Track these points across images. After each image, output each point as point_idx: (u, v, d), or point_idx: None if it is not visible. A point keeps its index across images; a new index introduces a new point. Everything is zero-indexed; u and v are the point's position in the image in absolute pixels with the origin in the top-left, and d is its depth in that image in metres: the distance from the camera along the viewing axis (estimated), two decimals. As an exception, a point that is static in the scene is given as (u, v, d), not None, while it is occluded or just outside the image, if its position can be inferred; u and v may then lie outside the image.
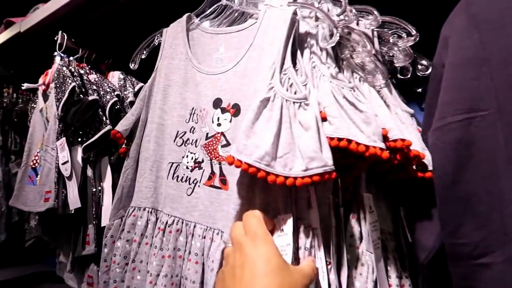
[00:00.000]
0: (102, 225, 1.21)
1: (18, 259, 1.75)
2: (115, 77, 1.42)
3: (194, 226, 0.78)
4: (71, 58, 1.39)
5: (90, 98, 1.25)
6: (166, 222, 0.81)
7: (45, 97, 1.40)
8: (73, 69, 1.31)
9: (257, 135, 0.64)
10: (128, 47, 1.24)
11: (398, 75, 0.90)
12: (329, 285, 0.64)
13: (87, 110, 1.25)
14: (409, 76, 0.89)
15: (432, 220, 0.77)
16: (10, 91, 1.82)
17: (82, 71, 1.34)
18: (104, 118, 1.25)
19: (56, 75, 1.28)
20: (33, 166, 1.41)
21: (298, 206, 0.67)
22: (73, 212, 1.22)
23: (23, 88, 1.38)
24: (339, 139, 0.63)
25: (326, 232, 0.67)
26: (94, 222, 1.22)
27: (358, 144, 0.62)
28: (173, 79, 0.89)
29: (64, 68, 1.29)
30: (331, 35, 0.72)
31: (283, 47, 0.71)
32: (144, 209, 0.85)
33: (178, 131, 0.85)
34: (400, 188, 0.79)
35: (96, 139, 1.23)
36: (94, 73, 1.38)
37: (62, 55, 1.39)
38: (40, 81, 1.44)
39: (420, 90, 0.97)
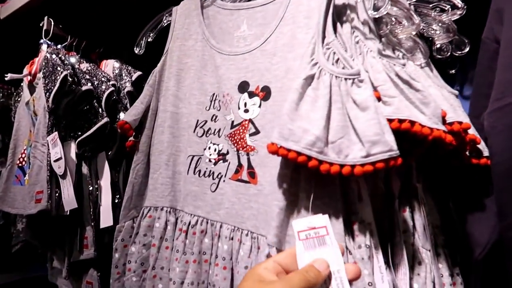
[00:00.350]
0: (101, 226, 1.10)
1: (5, 265, 1.61)
2: (109, 66, 1.30)
3: (221, 226, 0.69)
4: (59, 46, 1.27)
5: (84, 88, 1.14)
6: (189, 223, 0.71)
7: (32, 89, 1.27)
8: (63, 57, 1.19)
9: (304, 118, 0.55)
10: (122, 33, 1.14)
11: (435, 55, 0.82)
12: (387, 288, 0.56)
13: (81, 101, 1.14)
14: (448, 55, 0.81)
15: (486, 212, 0.69)
16: (-12, 85, 1.67)
17: (73, 60, 1.22)
18: (100, 110, 1.14)
19: (44, 63, 1.16)
20: (20, 164, 1.29)
21: (349, 199, 0.59)
22: (68, 213, 1.10)
23: (6, 79, 1.24)
24: (400, 121, 0.55)
25: (380, 228, 0.59)
26: (92, 224, 1.11)
27: (422, 126, 0.54)
28: (188, 62, 0.79)
29: (54, 56, 1.17)
30: (376, 7, 0.63)
31: (322, 18, 0.62)
32: (162, 209, 0.75)
33: (198, 120, 0.75)
34: (449, 177, 0.72)
35: (92, 133, 1.12)
36: (85, 62, 1.27)
37: (49, 42, 1.27)
38: (25, 71, 1.31)
39: (453, 71, 0.89)
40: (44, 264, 1.42)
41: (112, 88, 1.17)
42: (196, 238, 0.69)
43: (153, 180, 0.77)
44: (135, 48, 0.89)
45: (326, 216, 0.48)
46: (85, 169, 1.16)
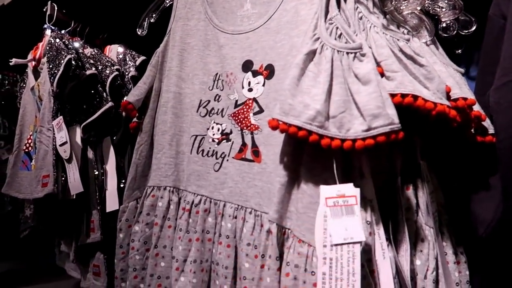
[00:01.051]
0: (107, 210, 1.11)
1: (14, 251, 1.63)
2: (113, 51, 1.30)
3: (224, 205, 0.69)
4: (62, 31, 1.27)
5: (88, 72, 1.14)
6: (192, 202, 0.71)
7: (36, 74, 1.27)
8: (66, 42, 1.19)
9: (305, 93, 0.55)
10: (126, 19, 1.13)
11: (441, 33, 0.81)
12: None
13: (85, 85, 1.14)
14: (454, 33, 0.80)
15: (490, 190, 0.69)
16: (-6, 72, 1.68)
17: (76, 45, 1.22)
18: (104, 94, 1.14)
19: (48, 48, 1.16)
20: (26, 150, 1.29)
21: (350, 176, 0.58)
22: (74, 197, 1.11)
23: (11, 64, 1.25)
24: (403, 95, 0.54)
25: (382, 205, 0.59)
26: (98, 208, 1.12)
27: (425, 100, 0.54)
28: (191, 43, 0.79)
29: (57, 40, 1.17)
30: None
31: (326, -7, 0.61)
32: (165, 188, 0.75)
33: (201, 100, 0.75)
34: (454, 155, 0.71)
35: (97, 118, 1.12)
36: (89, 47, 1.26)
37: (53, 27, 1.27)
38: (30, 56, 1.31)
39: (459, 51, 0.88)
40: (51, 249, 1.44)
41: (116, 73, 1.17)
42: (199, 217, 0.69)
43: (156, 160, 0.77)
44: (137, 30, 0.89)
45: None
46: (90, 154, 1.16)
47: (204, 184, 0.72)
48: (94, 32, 1.40)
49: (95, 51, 1.24)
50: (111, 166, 1.15)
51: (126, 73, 1.23)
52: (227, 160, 0.70)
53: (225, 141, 0.71)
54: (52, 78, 1.13)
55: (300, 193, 0.58)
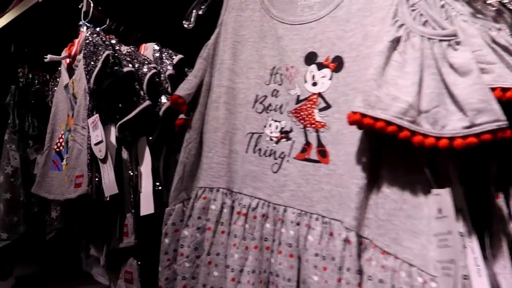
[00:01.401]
0: (142, 214, 1.06)
1: (39, 253, 1.59)
2: (148, 49, 1.25)
3: (284, 211, 0.62)
4: (97, 29, 1.23)
5: (125, 69, 1.09)
6: (249, 206, 0.65)
7: (71, 72, 1.23)
8: (104, 38, 1.15)
9: (391, 85, 0.49)
10: (159, 18, 1.09)
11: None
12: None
13: (122, 83, 1.09)
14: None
15: None
16: (25, 71, 1.66)
17: (113, 41, 1.18)
18: (141, 92, 1.10)
19: (85, 44, 1.13)
20: (57, 149, 1.25)
21: (437, 181, 0.52)
22: (108, 199, 1.06)
23: (46, 60, 1.21)
24: (504, 90, 0.48)
25: (473, 215, 0.52)
26: (132, 211, 1.06)
27: (531, 95, 0.47)
28: (245, 34, 0.73)
29: (95, 36, 1.13)
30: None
31: (404, -22, 0.55)
32: (218, 190, 0.69)
33: (257, 95, 0.69)
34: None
35: (133, 116, 1.07)
36: (124, 45, 1.23)
37: (88, 25, 1.24)
38: (63, 53, 1.28)
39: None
40: (77, 253, 1.40)
41: (155, 70, 1.12)
42: (257, 223, 0.63)
43: (207, 159, 0.72)
44: (184, 22, 0.83)
45: None
46: (125, 154, 1.11)
47: (261, 186, 0.66)
48: (128, 30, 1.36)
49: (132, 48, 1.19)
50: (146, 167, 1.10)
51: (163, 71, 1.19)
52: (287, 160, 0.64)
53: (284, 139, 0.65)
54: (88, 75, 1.09)
55: (381, 197, 0.52)
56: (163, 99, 1.13)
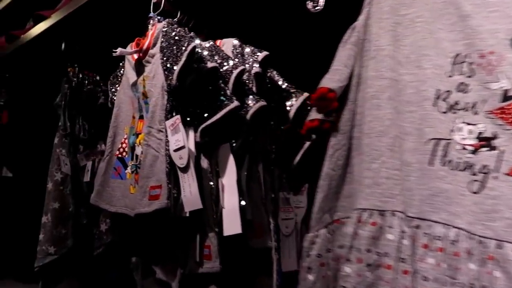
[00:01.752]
0: (225, 234, 0.90)
1: (86, 270, 1.43)
2: (226, 45, 1.11)
3: (499, 246, 0.45)
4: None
5: (210, 65, 0.96)
6: (445, 237, 0.48)
7: (140, 67, 1.09)
8: (182, 31, 1.01)
9: None
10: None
11: None
12: None
13: (206, 80, 0.95)
14: None
15: None
16: (75, 71, 1.52)
17: (191, 34, 1.04)
18: (227, 92, 0.95)
19: (163, 36, 0.99)
20: (120, 155, 1.11)
21: None
22: (187, 215, 0.90)
23: (115, 54, 1.07)
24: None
25: None
26: (216, 230, 0.90)
27: None
28: (409, 14, 0.58)
29: (175, 27, 0.99)
30: None
31: None
32: (394, 214, 0.52)
33: (439, 90, 0.53)
34: None
35: (219, 119, 0.92)
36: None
37: (159, 17, 1.10)
38: (129, 48, 1.13)
39: None
40: (130, 273, 1.24)
41: (243, 67, 0.98)
42: (461, 262, 0.46)
43: (371, 172, 0.55)
44: (307, 3, 0.68)
45: None
46: (204, 163, 0.96)
47: (459, 212, 0.49)
48: (199, 25, 1.22)
49: (210, 42, 1.05)
50: (230, 178, 0.95)
51: (246, 69, 1.04)
52: (495, 177, 0.47)
53: (485, 148, 0.49)
54: (167, 70, 0.95)
55: None
56: (250, 100, 0.98)
